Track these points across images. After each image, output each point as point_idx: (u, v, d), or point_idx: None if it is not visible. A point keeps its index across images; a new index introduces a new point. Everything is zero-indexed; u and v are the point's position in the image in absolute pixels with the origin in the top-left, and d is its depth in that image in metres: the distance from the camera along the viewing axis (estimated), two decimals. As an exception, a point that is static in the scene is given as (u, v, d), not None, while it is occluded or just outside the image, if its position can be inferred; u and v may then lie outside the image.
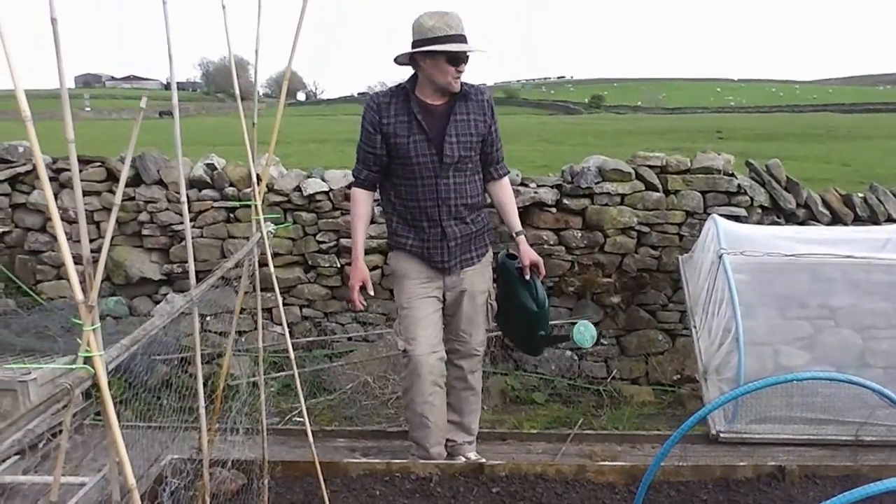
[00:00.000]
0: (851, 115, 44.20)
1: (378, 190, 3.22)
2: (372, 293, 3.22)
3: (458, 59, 2.92)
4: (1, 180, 4.87)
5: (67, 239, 4.49)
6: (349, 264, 4.71)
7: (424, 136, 3.00)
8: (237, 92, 2.50)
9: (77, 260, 4.75)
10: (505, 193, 3.29)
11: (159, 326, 1.76)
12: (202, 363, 4.84)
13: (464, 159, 3.06)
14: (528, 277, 3.23)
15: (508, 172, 3.41)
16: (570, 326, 4.02)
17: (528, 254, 3.22)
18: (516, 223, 3.27)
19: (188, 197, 4.75)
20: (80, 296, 1.42)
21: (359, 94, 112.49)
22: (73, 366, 1.41)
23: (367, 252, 4.60)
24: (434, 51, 2.89)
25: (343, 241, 4.66)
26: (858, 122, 32.00)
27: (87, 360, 1.43)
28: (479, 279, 3.23)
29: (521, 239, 3.24)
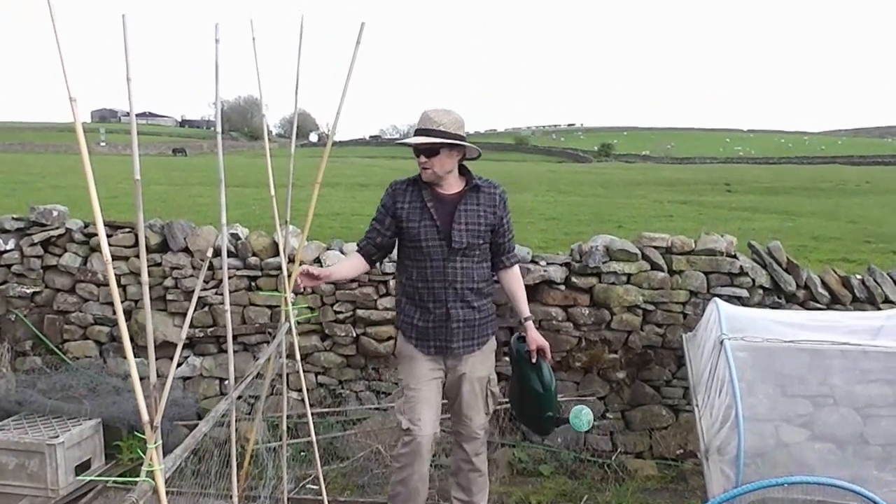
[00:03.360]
0: (860, 168, 44.47)
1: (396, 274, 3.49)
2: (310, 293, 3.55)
3: (418, 151, 3.22)
4: (34, 242, 5.09)
5: (95, 300, 4.76)
6: (365, 334, 4.91)
7: (433, 223, 3.25)
8: (273, 202, 2.72)
9: (103, 321, 5.01)
10: (515, 281, 3.50)
11: (205, 432, 1.95)
12: (218, 425, 4.97)
13: (472, 246, 3.27)
14: (535, 360, 3.42)
15: (519, 261, 3.62)
16: (573, 402, 4.18)
17: (536, 339, 3.42)
18: (524, 309, 3.48)
19: (212, 264, 4.96)
20: (145, 417, 1.61)
21: (371, 137, 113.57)
22: (138, 479, 1.60)
23: (382, 323, 4.83)
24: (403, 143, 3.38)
25: (359, 311, 4.85)
26: (867, 175, 32.19)
27: (149, 473, 1.62)
28: (479, 365, 3.39)
29: (529, 324, 3.46)
